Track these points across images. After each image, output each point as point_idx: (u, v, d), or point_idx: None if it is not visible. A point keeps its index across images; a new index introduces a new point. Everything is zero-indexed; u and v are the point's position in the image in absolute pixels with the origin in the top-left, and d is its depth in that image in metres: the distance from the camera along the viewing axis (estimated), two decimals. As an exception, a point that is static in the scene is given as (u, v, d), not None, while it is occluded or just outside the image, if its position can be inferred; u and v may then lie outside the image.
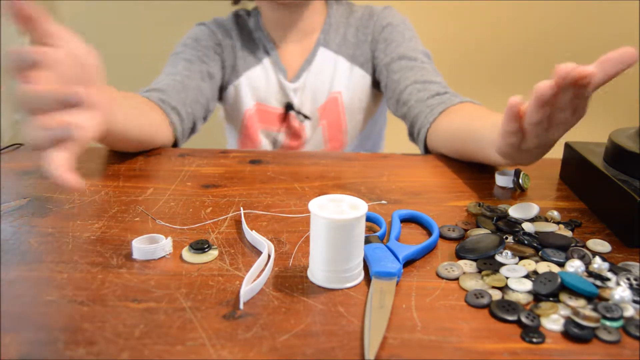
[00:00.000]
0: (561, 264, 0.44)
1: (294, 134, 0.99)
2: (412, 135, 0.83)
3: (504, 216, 0.53)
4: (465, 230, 0.51)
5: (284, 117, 0.98)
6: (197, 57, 0.90)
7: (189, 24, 0.99)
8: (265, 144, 0.99)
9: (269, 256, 0.44)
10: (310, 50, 0.97)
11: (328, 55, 0.97)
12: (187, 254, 0.45)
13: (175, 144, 0.80)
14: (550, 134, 0.50)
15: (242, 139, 1.01)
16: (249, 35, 0.97)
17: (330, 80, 0.97)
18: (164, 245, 0.45)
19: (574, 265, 0.42)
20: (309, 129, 0.98)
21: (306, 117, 0.97)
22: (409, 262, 0.45)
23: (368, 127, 1.03)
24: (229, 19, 0.98)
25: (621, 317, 0.37)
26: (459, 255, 0.46)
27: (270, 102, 0.98)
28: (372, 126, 1.04)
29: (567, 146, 0.63)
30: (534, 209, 0.53)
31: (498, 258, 0.45)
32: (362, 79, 0.97)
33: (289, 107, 0.97)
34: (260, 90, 0.97)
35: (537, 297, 0.40)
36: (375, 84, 0.98)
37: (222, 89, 0.99)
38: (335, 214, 0.39)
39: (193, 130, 0.86)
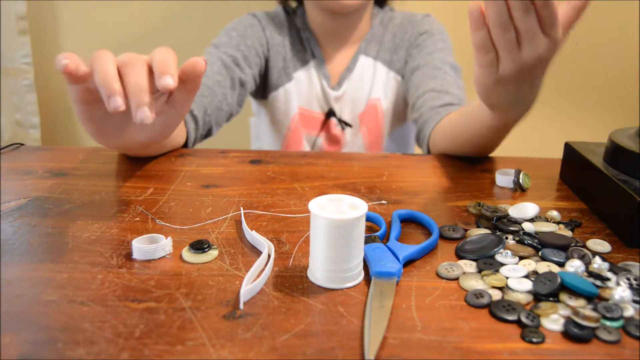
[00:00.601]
0: (561, 264, 0.44)
1: (333, 139, 0.99)
2: (418, 140, 0.84)
3: (504, 216, 0.53)
4: (465, 230, 0.51)
5: (325, 123, 0.98)
6: (233, 61, 0.88)
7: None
8: (306, 148, 1.00)
9: (269, 256, 0.44)
10: (351, 57, 0.97)
11: (368, 62, 0.97)
12: (187, 254, 0.45)
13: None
14: (525, 52, 0.49)
15: (287, 143, 1.00)
16: (297, 33, 0.96)
17: (369, 87, 0.97)
18: (164, 245, 0.45)
19: (574, 265, 0.42)
20: (349, 135, 0.99)
21: (347, 124, 0.98)
22: (409, 262, 0.45)
23: (403, 127, 1.03)
24: (279, 14, 0.97)
25: (621, 317, 0.37)
26: (459, 255, 0.46)
27: (312, 107, 0.98)
28: (406, 127, 1.04)
29: (567, 146, 0.63)
30: (534, 209, 0.53)
31: (498, 258, 0.45)
32: (399, 85, 0.97)
33: (330, 113, 0.97)
34: (304, 95, 0.97)
35: (537, 297, 0.40)
36: None
37: (269, 91, 0.98)
38: (335, 214, 0.39)
39: (207, 136, 0.84)
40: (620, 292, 0.39)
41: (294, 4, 1.00)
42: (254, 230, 0.48)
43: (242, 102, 0.91)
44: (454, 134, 0.70)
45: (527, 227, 0.50)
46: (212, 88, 0.83)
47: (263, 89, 0.99)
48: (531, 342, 0.35)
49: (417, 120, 0.84)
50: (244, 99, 0.91)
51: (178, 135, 0.72)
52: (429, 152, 0.79)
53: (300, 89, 0.97)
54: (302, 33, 0.96)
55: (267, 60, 0.95)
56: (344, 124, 0.97)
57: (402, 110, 1.00)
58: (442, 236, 0.50)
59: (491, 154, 0.73)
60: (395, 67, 0.97)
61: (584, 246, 0.48)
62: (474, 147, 0.68)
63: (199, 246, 0.45)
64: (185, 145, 0.77)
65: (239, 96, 0.89)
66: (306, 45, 0.96)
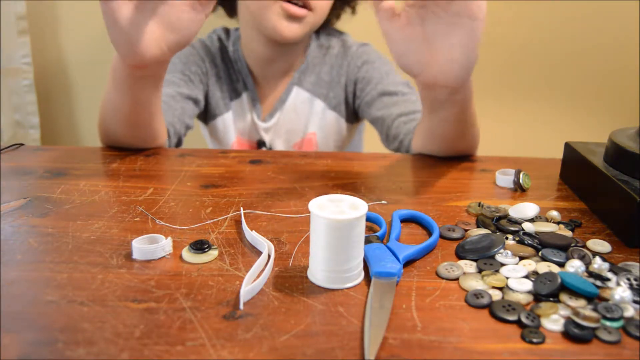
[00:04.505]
0: (561, 264, 0.44)
1: None
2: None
3: (504, 216, 0.53)
4: (465, 230, 0.51)
5: None
6: (184, 82, 0.90)
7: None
8: None
9: (269, 256, 0.44)
10: (284, 89, 0.97)
11: (302, 95, 0.97)
12: (187, 254, 0.45)
13: None
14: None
15: None
16: (230, 63, 0.97)
17: (305, 120, 0.97)
18: (164, 245, 0.45)
19: (574, 266, 0.42)
20: None
21: None
22: (409, 262, 0.45)
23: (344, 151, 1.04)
24: (213, 43, 0.97)
25: (621, 317, 0.37)
26: (459, 255, 0.46)
27: (247, 136, 0.99)
28: (348, 149, 1.06)
29: (567, 146, 0.63)
30: (534, 209, 0.53)
31: (498, 258, 0.45)
32: (335, 122, 0.98)
33: (260, 144, 0.99)
34: (239, 125, 0.99)
35: (537, 297, 0.40)
36: (350, 119, 0.99)
37: (208, 119, 1.00)
38: (335, 214, 0.39)
39: (178, 145, 0.86)
40: (620, 292, 0.39)
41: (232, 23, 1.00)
42: (254, 231, 0.48)
43: (194, 116, 0.93)
44: (426, 133, 0.71)
45: (527, 227, 0.50)
46: (169, 104, 0.84)
47: (204, 115, 1.01)
48: (531, 342, 0.35)
49: (399, 148, 0.84)
50: (196, 114, 0.93)
51: (163, 134, 0.74)
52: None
53: (237, 119, 0.98)
54: (236, 64, 0.96)
55: (207, 90, 0.97)
56: None
57: (341, 143, 1.01)
58: (442, 236, 0.50)
59: (491, 154, 0.73)
60: (332, 104, 0.97)
61: (584, 246, 0.48)
62: (448, 139, 0.69)
63: (199, 246, 0.45)
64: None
65: (193, 110, 0.90)
66: (239, 76, 0.97)
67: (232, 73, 0.97)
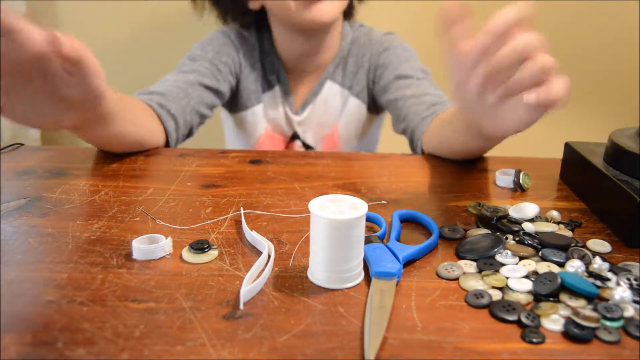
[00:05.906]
0: (561, 264, 0.44)
1: None
2: (413, 150, 0.84)
3: (504, 216, 0.53)
4: (465, 230, 0.51)
5: (288, 144, 1.00)
6: (210, 71, 0.89)
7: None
8: None
9: (269, 256, 0.44)
10: (317, 82, 0.97)
11: (334, 89, 0.97)
12: (187, 254, 0.45)
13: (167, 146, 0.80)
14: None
15: None
16: (266, 55, 0.97)
17: (335, 114, 0.98)
18: (164, 245, 0.45)
19: (574, 266, 0.42)
20: None
21: (309, 147, 1.00)
22: (409, 262, 0.45)
23: (362, 142, 1.05)
24: (252, 33, 0.96)
25: (621, 317, 0.37)
26: (459, 255, 0.46)
27: (277, 129, 1.00)
28: (366, 141, 1.06)
29: (567, 146, 0.63)
30: (534, 209, 0.53)
31: (498, 258, 0.45)
32: (357, 108, 0.98)
33: (294, 136, 0.99)
34: (270, 117, 0.99)
35: (537, 297, 0.40)
36: (370, 107, 0.99)
37: (237, 110, 0.99)
38: (335, 214, 0.39)
39: (188, 135, 0.85)
40: (620, 292, 0.39)
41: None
42: (254, 231, 0.48)
43: (214, 108, 0.92)
44: (445, 144, 0.71)
45: (527, 227, 0.50)
46: (186, 91, 0.84)
47: (231, 105, 1.00)
48: (531, 342, 0.35)
49: (405, 130, 0.84)
50: (217, 106, 0.92)
51: (154, 137, 0.73)
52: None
53: (267, 112, 0.99)
54: (269, 56, 0.96)
55: (238, 81, 0.96)
56: (307, 147, 1.00)
57: (362, 131, 1.02)
58: (442, 236, 0.50)
59: (491, 154, 0.73)
60: (354, 91, 0.98)
61: (584, 246, 0.48)
62: (467, 155, 0.69)
63: (199, 246, 0.45)
64: (167, 144, 0.77)
65: (212, 102, 0.89)
66: (272, 69, 0.97)
67: (266, 65, 0.97)
